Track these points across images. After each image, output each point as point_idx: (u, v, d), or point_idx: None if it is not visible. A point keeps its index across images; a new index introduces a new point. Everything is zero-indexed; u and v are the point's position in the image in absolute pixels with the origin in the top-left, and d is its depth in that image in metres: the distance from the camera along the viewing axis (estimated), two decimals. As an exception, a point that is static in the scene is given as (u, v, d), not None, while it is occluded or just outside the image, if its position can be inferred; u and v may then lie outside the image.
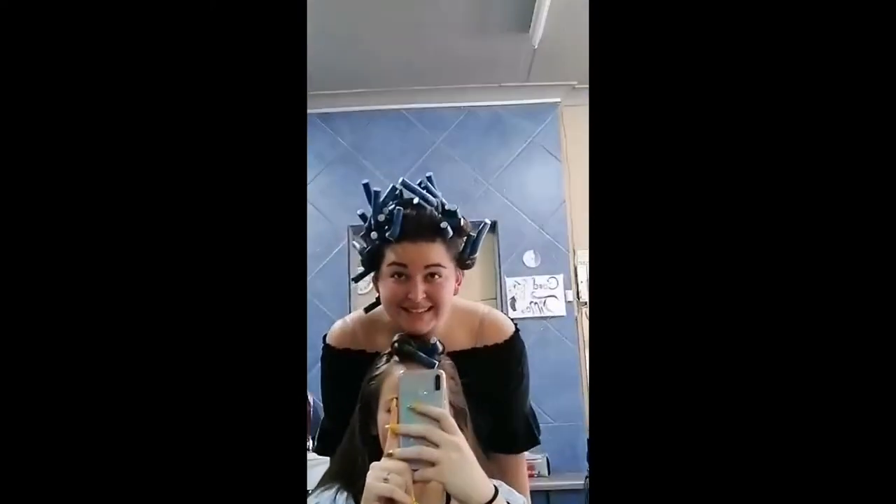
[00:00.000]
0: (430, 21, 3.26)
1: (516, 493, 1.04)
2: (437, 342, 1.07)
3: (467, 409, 1.04)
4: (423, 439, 0.84)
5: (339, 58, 3.49)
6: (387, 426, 0.90)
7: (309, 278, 3.63)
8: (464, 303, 1.26)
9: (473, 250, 1.16)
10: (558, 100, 3.83)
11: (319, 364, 1.27)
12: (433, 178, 1.18)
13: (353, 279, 1.30)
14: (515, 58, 3.58)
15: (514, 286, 3.65)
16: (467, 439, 0.95)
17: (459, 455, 0.84)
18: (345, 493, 0.99)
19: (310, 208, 3.72)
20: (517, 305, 3.60)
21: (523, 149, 3.81)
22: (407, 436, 0.85)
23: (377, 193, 1.13)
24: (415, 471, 0.83)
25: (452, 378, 1.02)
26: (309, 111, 3.76)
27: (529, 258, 3.68)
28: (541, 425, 1.28)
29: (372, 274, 1.18)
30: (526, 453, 1.28)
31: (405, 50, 3.47)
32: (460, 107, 3.84)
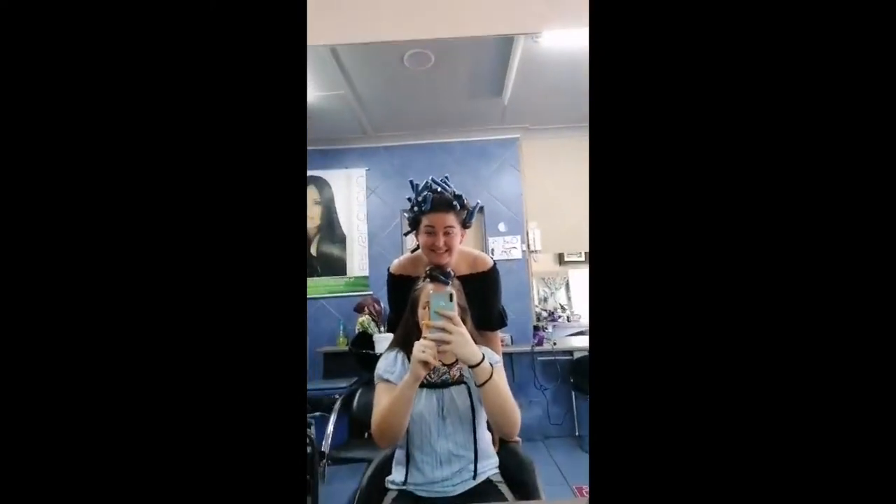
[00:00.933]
0: (441, 89, 3.93)
1: (495, 355, 1.44)
2: (451, 271, 1.46)
3: (467, 308, 1.43)
4: (443, 330, 1.21)
5: (394, 109, 4.30)
6: (423, 322, 1.28)
7: (379, 238, 4.79)
8: (465, 248, 1.71)
9: (470, 218, 1.60)
10: (518, 136, 4.91)
11: (386, 286, 1.77)
12: (449, 178, 1.63)
13: (404, 234, 1.86)
14: (494, 110, 4.43)
15: (493, 243, 4.76)
16: (467, 325, 1.32)
17: (462, 338, 1.22)
18: (402, 354, 1.42)
19: (378, 200, 4.87)
20: (494, 254, 4.60)
21: (498, 165, 4.89)
22: (435, 327, 1.22)
23: (417, 185, 1.58)
24: (438, 345, 1.20)
25: (459, 291, 1.41)
26: (376, 145, 4.93)
27: (502, 227, 4.82)
28: (508, 317, 1.78)
29: (414, 232, 1.64)
30: (499, 332, 1.75)
31: (426, 107, 4.27)
32: (462, 141, 4.92)
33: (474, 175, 4.95)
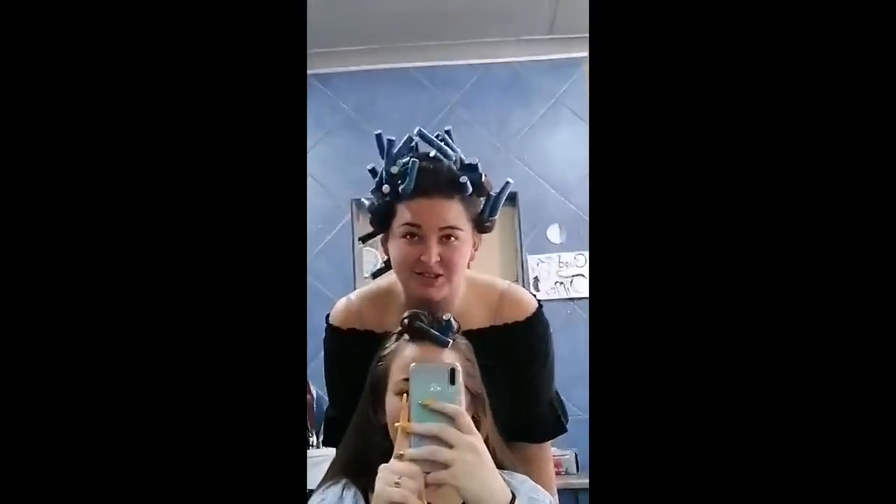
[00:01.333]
0: None
1: (541, 491, 1.04)
2: (452, 319, 1.05)
3: (486, 395, 1.05)
4: (436, 439, 0.85)
5: (338, 12, 3.40)
6: (397, 423, 0.92)
7: (309, 258, 3.60)
8: (482, 277, 1.26)
9: (493, 211, 1.16)
10: (584, 54, 3.63)
11: (322, 351, 1.28)
12: (451, 133, 1.17)
13: (360, 238, 1.29)
14: (536, 8, 3.42)
15: (538, 265, 3.57)
16: (486, 427, 1.00)
17: (475, 457, 0.86)
18: (352, 489, 1.01)
19: (309, 181, 3.63)
20: (541, 286, 3.50)
21: (546, 110, 3.67)
22: (419, 435, 0.86)
23: (391, 143, 1.13)
24: (427, 473, 0.84)
25: (469, 360, 1.04)
26: (311, 70, 3.75)
27: (554, 233, 3.56)
28: (569, 417, 1.28)
29: (380, 237, 1.19)
30: (552, 446, 1.29)
31: (411, 1, 3.33)
32: (475, 64, 3.73)
33: (499, 130, 3.76)
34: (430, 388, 0.88)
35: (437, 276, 1.10)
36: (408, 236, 1.10)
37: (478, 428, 0.96)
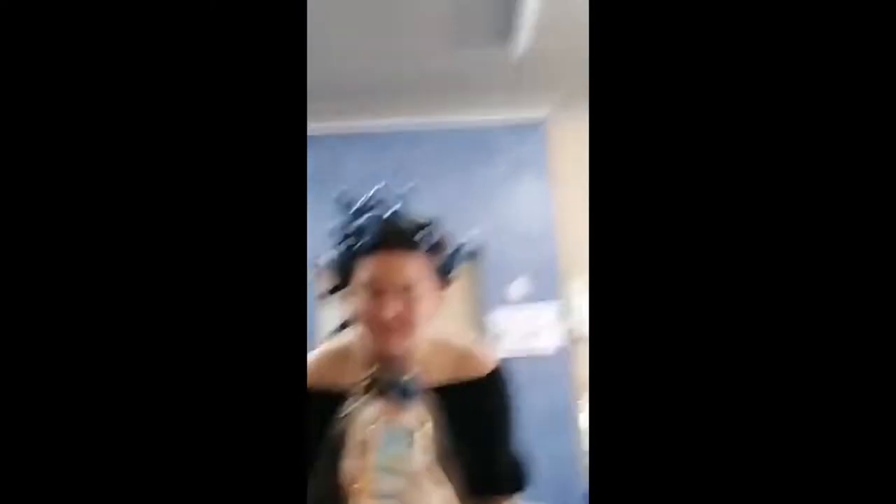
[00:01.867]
0: (406, 30, 3.11)
1: None
2: (414, 378, 1.04)
3: (449, 450, 1.04)
4: (396, 500, 0.86)
5: (311, 69, 3.26)
6: (355, 485, 0.91)
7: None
8: (441, 335, 1.24)
9: (451, 264, 1.17)
10: (544, 115, 3.71)
11: None
12: (414, 189, 1.17)
13: (325, 293, 1.26)
14: (499, 68, 3.42)
15: (500, 320, 3.50)
16: (452, 484, 1.00)
17: None
18: None
19: None
20: (503, 344, 3.44)
21: (509, 169, 3.67)
22: (379, 497, 0.86)
23: (352, 201, 1.14)
24: None
25: (433, 417, 1.04)
26: None
27: (518, 288, 3.51)
28: (533, 474, 1.27)
29: (342, 291, 1.18)
30: (528, 502, 1.28)
31: (380, 62, 3.30)
32: (441, 124, 3.69)
33: (463, 186, 3.78)
34: (390, 451, 0.88)
35: (396, 331, 1.10)
36: (368, 291, 1.10)
37: (441, 483, 0.97)
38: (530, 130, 3.72)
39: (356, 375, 1.08)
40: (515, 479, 1.23)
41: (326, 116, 3.64)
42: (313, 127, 3.64)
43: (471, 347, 1.23)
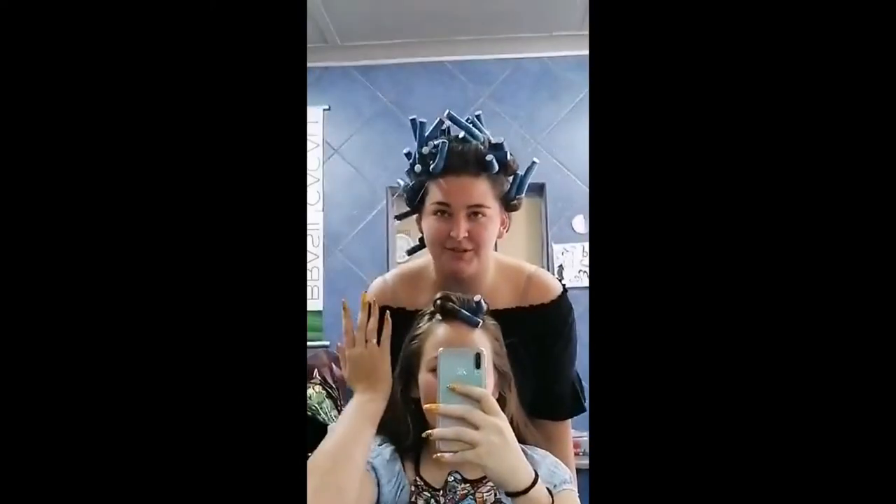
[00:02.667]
0: None
1: (561, 466, 1.02)
2: (482, 300, 1.02)
3: (511, 374, 1.03)
4: (462, 420, 0.84)
5: (377, 7, 3.31)
6: (426, 406, 0.90)
7: (346, 242, 3.57)
8: (510, 260, 1.25)
9: (520, 190, 1.15)
10: None
11: None
12: (481, 117, 1.15)
13: (396, 217, 1.34)
14: (568, 4, 3.29)
15: (563, 253, 3.43)
16: (511, 405, 1.00)
17: (500, 438, 0.83)
18: (390, 448, 1.01)
19: (347, 168, 3.59)
20: (564, 274, 3.38)
21: (575, 104, 3.54)
22: (446, 416, 0.84)
23: (423, 125, 1.13)
24: (454, 452, 0.83)
25: (497, 340, 1.02)
26: (346, 64, 3.68)
27: (579, 223, 3.46)
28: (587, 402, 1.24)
29: (415, 216, 1.18)
30: (572, 429, 1.26)
31: None
32: (507, 59, 3.60)
33: (529, 124, 3.69)
34: (458, 372, 0.88)
35: (466, 250, 1.10)
36: (438, 213, 1.10)
37: (503, 405, 0.95)
38: None
39: (429, 295, 1.09)
40: (573, 402, 1.23)
41: (399, 49, 3.63)
42: (388, 58, 3.68)
43: (538, 273, 1.22)
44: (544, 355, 1.17)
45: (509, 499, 0.86)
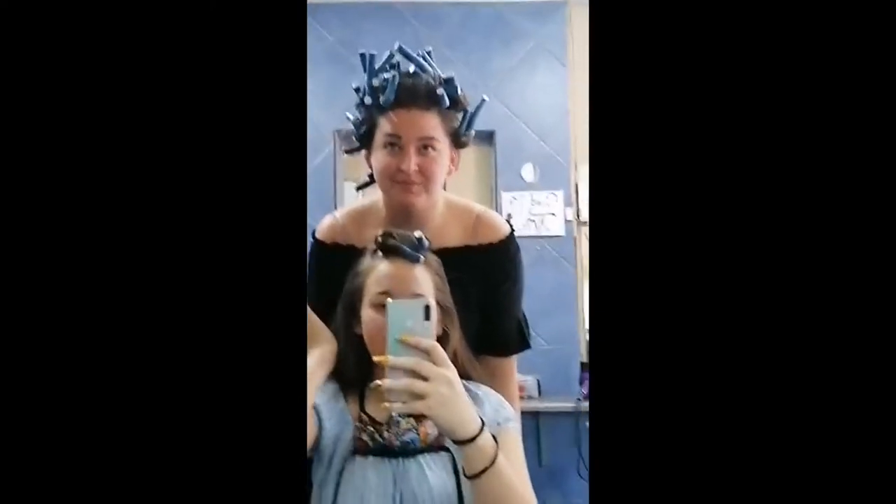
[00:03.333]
0: None
1: (506, 404, 1.05)
2: (423, 237, 1.04)
3: (455, 310, 1.05)
4: (412, 372, 0.84)
5: None
6: (375, 358, 0.91)
7: None
8: (459, 199, 1.26)
9: (470, 126, 1.18)
10: None
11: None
12: (431, 54, 1.17)
13: (345, 151, 1.32)
14: None
15: (511, 202, 3.53)
16: (454, 341, 1.02)
17: (449, 389, 0.85)
18: (340, 391, 1.03)
19: None
20: (513, 222, 3.38)
21: (527, 52, 3.59)
22: (396, 368, 0.85)
23: (373, 58, 1.13)
24: (403, 403, 0.84)
25: (439, 276, 1.04)
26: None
27: (528, 172, 3.54)
28: (533, 348, 1.29)
29: (364, 151, 1.20)
30: (517, 373, 1.29)
31: None
32: (460, 2, 3.59)
33: (480, 69, 3.73)
34: (406, 324, 0.88)
35: (416, 184, 1.12)
36: (388, 147, 1.12)
37: (446, 340, 0.99)
38: (550, 13, 3.63)
39: (377, 231, 1.09)
40: (518, 338, 1.26)
41: None
42: None
43: (486, 213, 1.25)
44: (492, 293, 1.19)
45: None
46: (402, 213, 1.16)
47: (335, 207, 3.37)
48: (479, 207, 1.27)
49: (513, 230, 1.26)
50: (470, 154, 1.21)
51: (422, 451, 0.98)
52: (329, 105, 3.44)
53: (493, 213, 1.27)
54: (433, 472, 0.96)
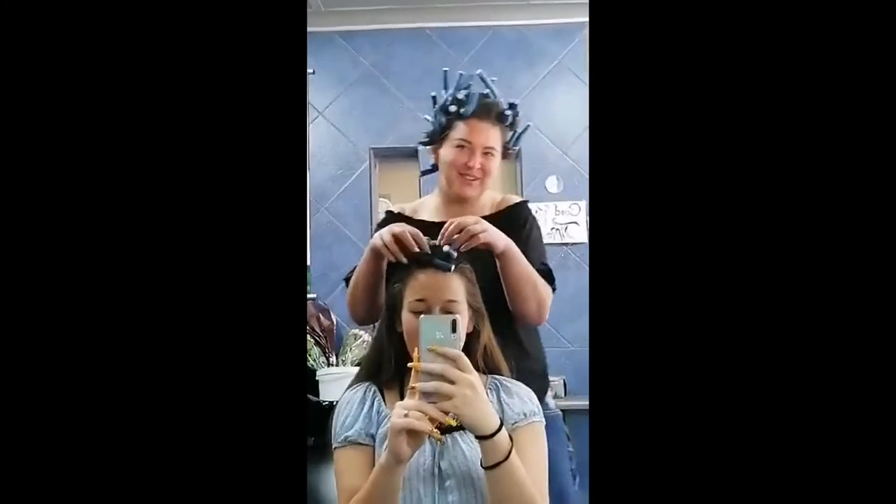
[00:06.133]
0: None
1: (534, 401, 1.12)
2: (452, 251, 1.16)
3: (485, 311, 1.15)
4: (441, 376, 0.94)
5: None
6: (409, 364, 0.99)
7: (331, 201, 3.64)
8: (494, 192, 1.54)
9: (517, 142, 1.49)
10: (585, 19, 3.51)
11: (343, 282, 1.42)
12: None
13: (420, 143, 1.53)
14: None
15: (537, 212, 3.37)
16: (485, 336, 1.12)
17: (472, 391, 0.94)
18: (373, 388, 1.12)
19: (331, 129, 3.63)
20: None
21: (549, 71, 3.65)
22: (427, 373, 0.95)
23: (461, 75, 1.44)
24: (434, 402, 0.92)
25: (471, 281, 1.14)
26: (330, 29, 3.69)
27: (552, 183, 3.60)
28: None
29: (433, 147, 1.46)
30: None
31: None
32: (485, 26, 3.65)
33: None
34: (436, 336, 0.97)
35: (476, 179, 1.40)
36: (459, 147, 1.39)
37: (477, 337, 1.11)
38: (570, 33, 3.68)
39: (434, 213, 1.39)
40: (546, 276, 1.39)
41: (381, 15, 3.65)
42: (370, 24, 3.69)
43: (508, 196, 1.53)
44: (515, 238, 1.34)
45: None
46: (457, 200, 1.41)
47: (371, 220, 3.53)
48: (505, 196, 1.55)
49: (525, 201, 1.52)
50: (513, 157, 1.42)
51: (456, 428, 1.03)
52: (365, 125, 3.55)
53: (509, 196, 1.55)
54: (468, 445, 1.05)
